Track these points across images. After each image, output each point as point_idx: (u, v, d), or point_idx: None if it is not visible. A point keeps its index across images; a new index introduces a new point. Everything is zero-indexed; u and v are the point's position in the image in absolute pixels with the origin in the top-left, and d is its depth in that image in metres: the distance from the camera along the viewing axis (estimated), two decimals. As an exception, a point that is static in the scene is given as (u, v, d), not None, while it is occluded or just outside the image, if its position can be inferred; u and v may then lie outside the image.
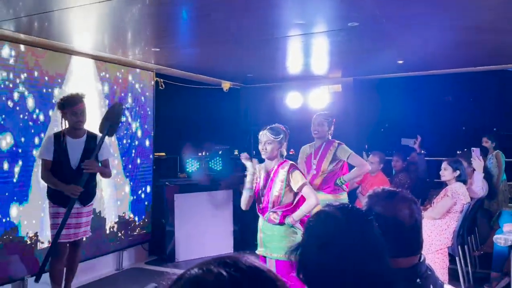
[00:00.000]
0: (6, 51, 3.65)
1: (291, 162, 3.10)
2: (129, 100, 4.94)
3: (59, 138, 3.47)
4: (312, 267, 1.09)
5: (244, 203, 3.14)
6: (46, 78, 3.99)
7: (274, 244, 2.97)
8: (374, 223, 1.11)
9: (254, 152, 6.42)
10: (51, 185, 3.45)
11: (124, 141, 4.86)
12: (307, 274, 1.09)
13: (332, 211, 1.13)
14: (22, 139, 3.79)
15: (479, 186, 4.39)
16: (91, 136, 3.58)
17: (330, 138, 3.88)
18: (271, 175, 3.03)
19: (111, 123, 3.55)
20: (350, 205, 1.17)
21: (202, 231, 5.25)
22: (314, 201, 2.90)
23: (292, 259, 1.13)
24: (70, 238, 3.48)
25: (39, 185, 3.83)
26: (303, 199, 2.99)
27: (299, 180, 2.96)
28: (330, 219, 1.12)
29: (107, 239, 4.66)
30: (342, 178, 3.81)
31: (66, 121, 3.49)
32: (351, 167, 3.95)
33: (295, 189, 2.97)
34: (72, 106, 3.43)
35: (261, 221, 3.10)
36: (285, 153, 3.10)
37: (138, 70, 5.04)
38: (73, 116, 3.44)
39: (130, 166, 4.94)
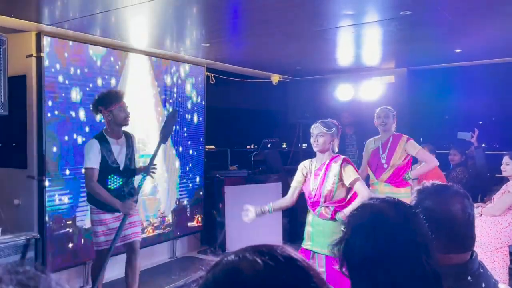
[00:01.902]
0: (69, 48, 3.89)
1: (344, 156, 3.05)
2: (181, 94, 5.08)
3: (103, 141, 3.18)
4: (357, 260, 1.07)
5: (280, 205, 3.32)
6: (104, 75, 4.20)
7: (324, 239, 2.91)
8: (421, 216, 1.08)
9: (302, 145, 6.41)
10: (101, 199, 3.14)
11: (177, 135, 5.02)
12: (351, 267, 1.08)
13: (377, 204, 1.11)
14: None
15: (545, 182, 4.09)
16: (127, 135, 3.36)
17: (395, 131, 3.86)
18: (323, 169, 2.98)
19: (165, 131, 3.42)
20: (395, 198, 1.14)
21: (251, 223, 5.31)
22: (367, 196, 2.84)
23: (336, 253, 1.12)
24: (100, 246, 3.27)
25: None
26: (355, 196, 2.93)
27: (351, 175, 2.90)
28: (376, 212, 1.09)
29: (162, 228, 4.86)
30: (409, 173, 3.78)
31: (105, 121, 3.25)
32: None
33: (347, 184, 2.91)
34: (119, 101, 3.18)
35: (310, 216, 3.08)
36: (336, 149, 3.04)
37: (189, 65, 5.17)
38: (121, 112, 3.17)
39: (182, 158, 5.10)
